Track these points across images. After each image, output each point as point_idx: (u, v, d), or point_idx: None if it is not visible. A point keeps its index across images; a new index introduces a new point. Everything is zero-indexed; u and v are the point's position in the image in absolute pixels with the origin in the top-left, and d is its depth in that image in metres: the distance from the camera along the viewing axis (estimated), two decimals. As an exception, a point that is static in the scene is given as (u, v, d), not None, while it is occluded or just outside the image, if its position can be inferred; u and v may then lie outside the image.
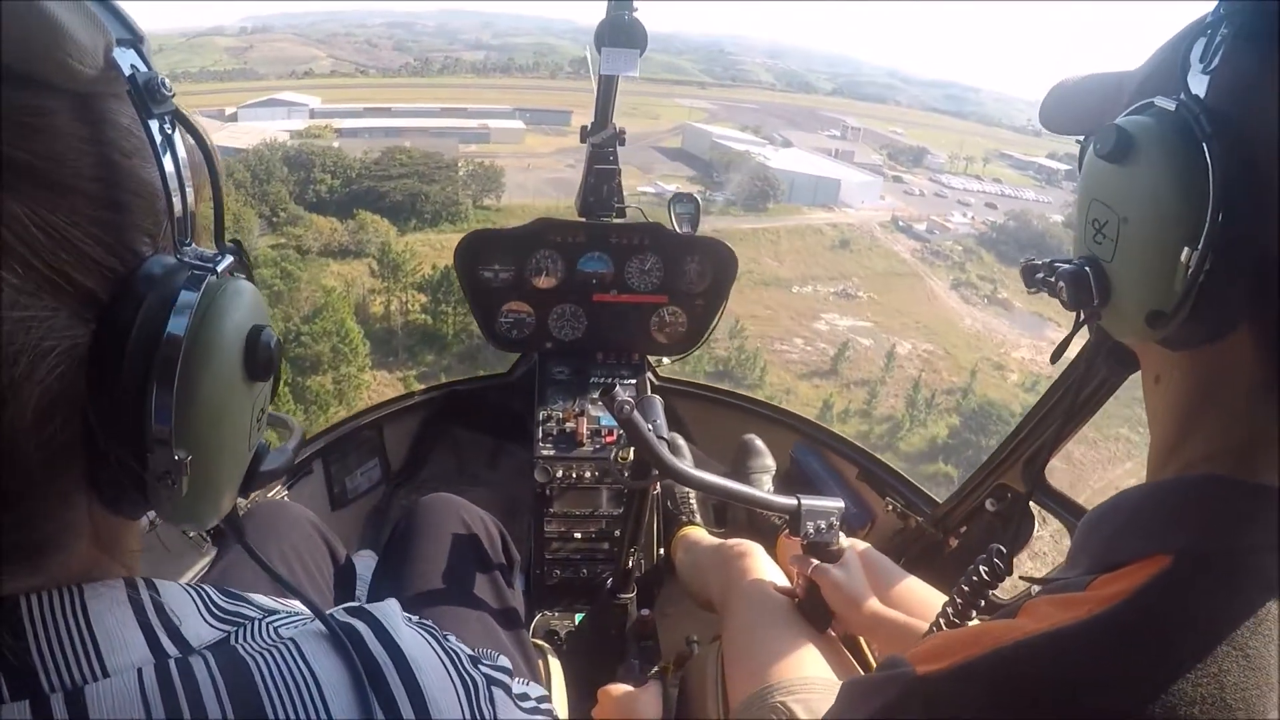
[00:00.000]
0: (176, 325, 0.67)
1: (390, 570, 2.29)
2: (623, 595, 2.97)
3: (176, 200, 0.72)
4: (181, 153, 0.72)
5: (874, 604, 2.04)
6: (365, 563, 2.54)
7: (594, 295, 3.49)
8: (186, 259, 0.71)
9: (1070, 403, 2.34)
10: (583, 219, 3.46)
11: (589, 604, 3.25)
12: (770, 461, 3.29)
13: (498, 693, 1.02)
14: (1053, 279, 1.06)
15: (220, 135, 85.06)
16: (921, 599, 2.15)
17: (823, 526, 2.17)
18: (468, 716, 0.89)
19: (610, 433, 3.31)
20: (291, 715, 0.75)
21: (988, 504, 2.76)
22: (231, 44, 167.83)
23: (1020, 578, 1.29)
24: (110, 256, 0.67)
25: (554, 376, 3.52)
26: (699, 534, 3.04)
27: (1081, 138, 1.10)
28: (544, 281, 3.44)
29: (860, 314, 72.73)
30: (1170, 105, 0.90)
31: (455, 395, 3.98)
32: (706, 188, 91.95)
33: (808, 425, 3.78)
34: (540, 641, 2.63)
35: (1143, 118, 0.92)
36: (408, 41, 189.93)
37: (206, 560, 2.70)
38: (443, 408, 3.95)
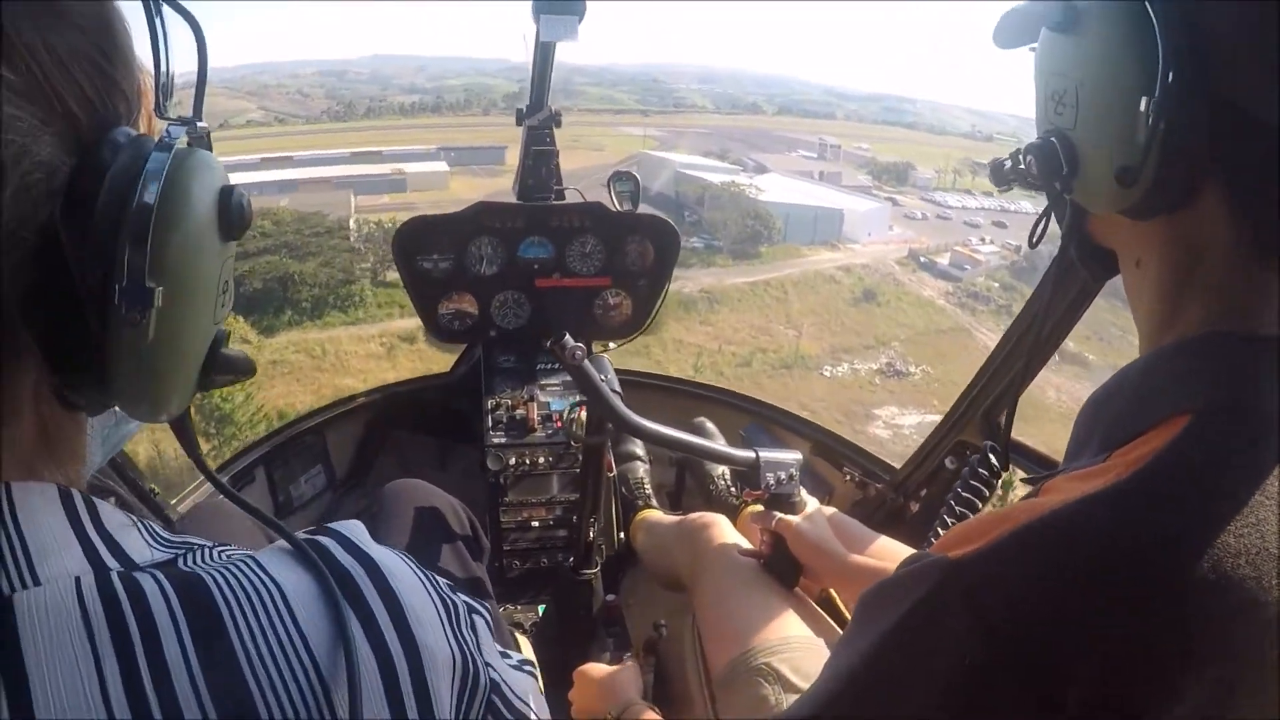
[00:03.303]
0: (157, 168, 0.64)
1: None
2: (586, 571, 2.87)
3: (164, 66, 0.70)
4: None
5: (844, 553, 1.96)
6: None
7: (536, 281, 3.16)
8: (167, 118, 0.71)
9: (1028, 346, 2.27)
10: (521, 203, 3.10)
11: (552, 594, 3.11)
12: (722, 441, 3.01)
13: (479, 622, 0.95)
14: (1021, 163, 1.04)
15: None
16: (892, 552, 2.03)
17: (783, 477, 2.13)
18: (449, 635, 0.80)
19: (560, 417, 3.03)
20: (254, 626, 0.66)
21: (947, 463, 2.62)
22: None
23: (1023, 480, 1.34)
24: (97, 97, 0.65)
25: (500, 365, 3.22)
26: (658, 515, 2.95)
27: (1034, 46, 1.06)
28: (485, 269, 3.10)
29: (923, 401, 47.42)
30: None
31: (397, 397, 3.71)
32: (682, 232, 64.24)
33: (757, 405, 3.63)
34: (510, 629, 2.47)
35: None
36: (340, 89, 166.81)
37: None
38: (385, 410, 3.68)
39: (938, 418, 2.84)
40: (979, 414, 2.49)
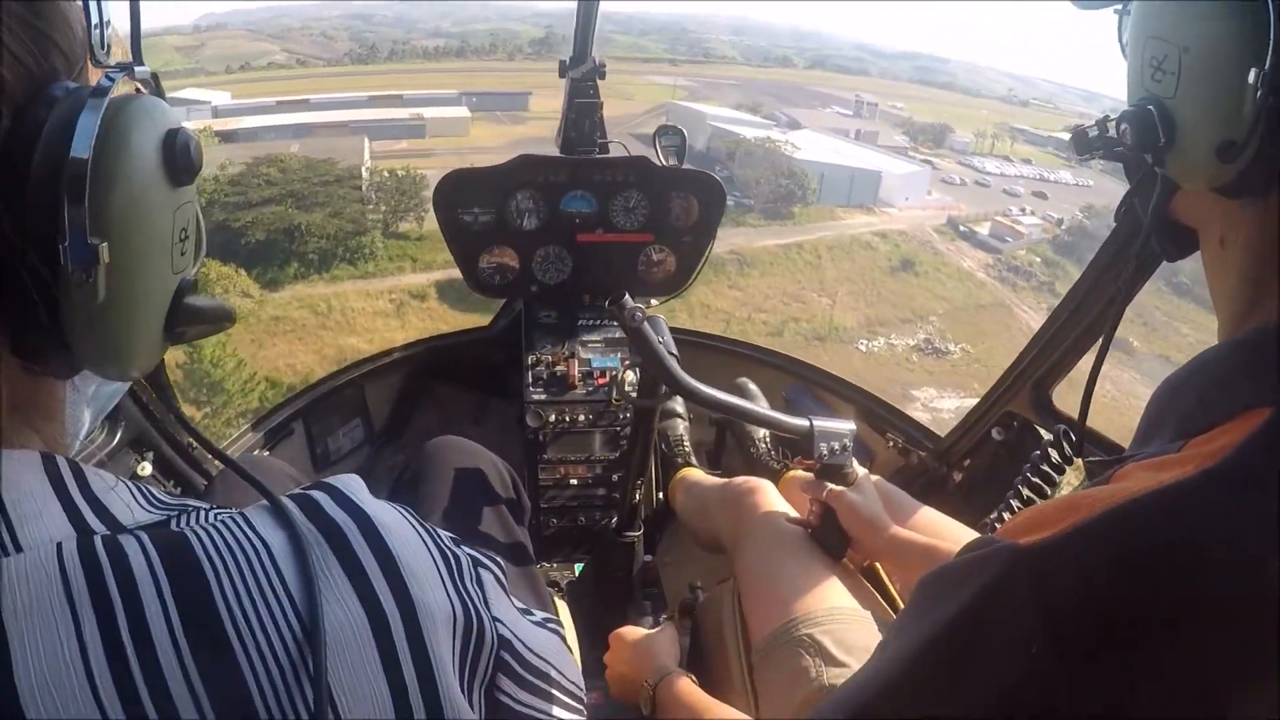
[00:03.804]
0: (89, 119, 0.62)
1: None
2: (629, 533, 2.68)
3: (95, 12, 0.69)
4: None
5: (894, 527, 1.91)
6: None
7: (578, 235, 3.11)
8: (103, 65, 0.70)
9: (1080, 320, 2.23)
10: (564, 156, 3.08)
11: (588, 552, 3.06)
12: (764, 404, 2.93)
13: (485, 575, 0.94)
14: (1110, 133, 0.97)
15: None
16: (940, 526, 1.99)
17: (836, 448, 2.08)
18: (450, 590, 0.79)
19: (603, 374, 3.02)
20: (239, 584, 0.65)
21: (994, 433, 2.57)
22: (183, 43, 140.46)
23: (1089, 461, 1.35)
24: (27, 55, 0.63)
25: (540, 320, 3.18)
26: (699, 475, 2.86)
27: (1119, 7, 1.02)
28: (526, 223, 3.06)
29: (962, 383, 43.94)
30: None
31: (435, 351, 3.64)
32: (712, 190, 61.44)
33: (801, 366, 3.54)
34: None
35: None
36: (365, 33, 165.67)
37: None
38: (424, 364, 3.61)
39: (977, 400, 2.71)
40: (1028, 385, 2.42)
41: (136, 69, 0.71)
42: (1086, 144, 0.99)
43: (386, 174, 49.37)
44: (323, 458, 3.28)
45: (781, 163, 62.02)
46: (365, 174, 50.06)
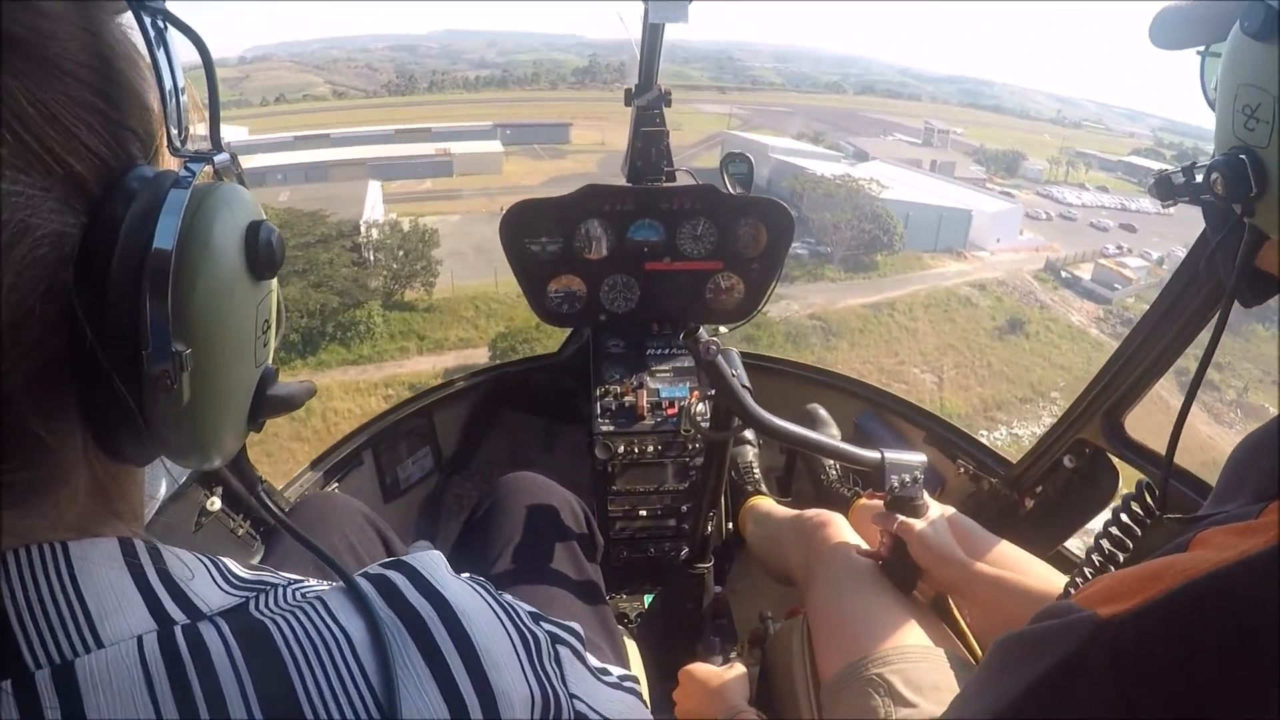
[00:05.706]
0: (170, 217, 0.58)
1: (470, 549, 2.04)
2: (700, 565, 2.58)
3: (171, 100, 0.64)
4: (176, 55, 0.65)
5: (966, 561, 1.83)
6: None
7: (646, 264, 2.98)
8: (182, 154, 0.65)
9: (1153, 346, 2.10)
10: (631, 185, 2.94)
11: (658, 583, 2.92)
12: (835, 431, 2.89)
13: (564, 652, 0.92)
14: (1199, 180, 0.92)
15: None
16: (1012, 559, 1.89)
17: (907, 480, 1.98)
18: (528, 673, 0.78)
19: (671, 405, 2.86)
20: (320, 677, 0.65)
21: (1065, 461, 2.41)
22: (229, 75, 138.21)
23: (1168, 518, 1.35)
24: (101, 146, 0.59)
25: (609, 350, 3.03)
26: (769, 504, 2.77)
27: (1201, 48, 0.99)
28: (593, 252, 2.93)
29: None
30: None
31: (504, 378, 3.44)
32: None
33: (871, 391, 3.29)
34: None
35: None
36: (410, 64, 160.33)
37: (256, 560, 2.31)
38: (492, 391, 3.41)
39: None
40: (1100, 412, 2.28)
41: (216, 157, 0.67)
42: (1170, 190, 0.93)
43: (387, 230, 40.23)
44: (392, 487, 3.15)
45: (864, 204, 51.29)
46: (364, 228, 40.64)
